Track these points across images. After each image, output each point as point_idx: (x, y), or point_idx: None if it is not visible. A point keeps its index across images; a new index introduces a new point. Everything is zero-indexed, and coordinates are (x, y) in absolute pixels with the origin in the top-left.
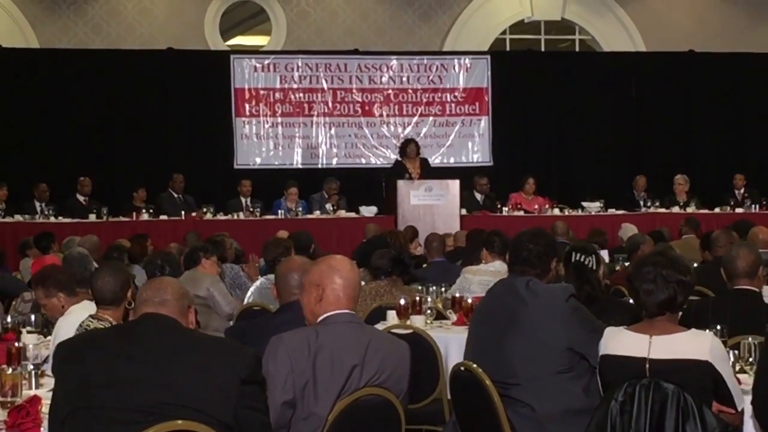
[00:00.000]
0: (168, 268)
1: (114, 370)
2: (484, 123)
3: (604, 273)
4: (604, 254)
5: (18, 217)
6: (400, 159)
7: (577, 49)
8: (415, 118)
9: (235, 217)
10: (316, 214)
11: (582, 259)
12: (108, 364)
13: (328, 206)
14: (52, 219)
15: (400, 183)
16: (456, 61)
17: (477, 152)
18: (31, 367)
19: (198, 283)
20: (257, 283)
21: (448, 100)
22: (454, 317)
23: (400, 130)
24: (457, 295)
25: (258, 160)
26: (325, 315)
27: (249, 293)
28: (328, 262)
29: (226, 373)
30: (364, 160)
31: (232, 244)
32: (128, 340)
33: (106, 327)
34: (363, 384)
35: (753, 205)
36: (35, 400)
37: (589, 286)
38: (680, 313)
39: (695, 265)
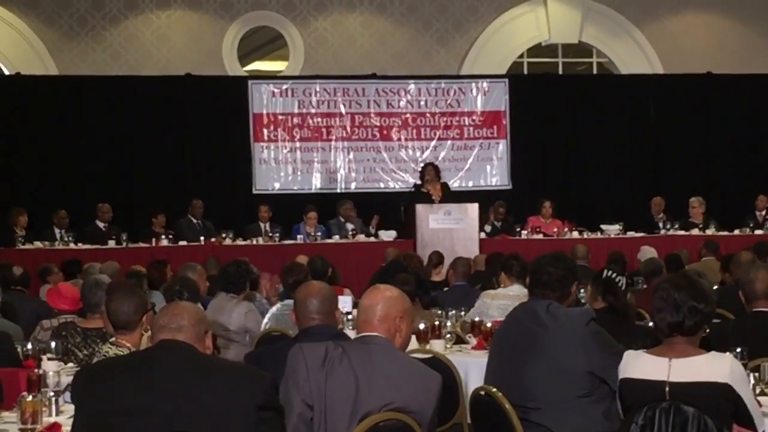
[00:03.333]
0: (186, 293)
1: (132, 399)
2: (502, 146)
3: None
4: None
5: (38, 244)
6: (420, 183)
7: (594, 72)
8: (434, 142)
9: (255, 243)
10: (335, 238)
11: (613, 276)
12: (126, 392)
13: (348, 225)
14: (72, 245)
15: (419, 207)
16: (474, 84)
17: (495, 176)
18: (51, 394)
19: (234, 311)
20: (273, 309)
21: (466, 123)
22: (473, 341)
23: (418, 154)
24: (476, 319)
25: (277, 185)
26: (363, 335)
27: (266, 319)
28: (368, 292)
29: (242, 399)
30: (382, 185)
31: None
32: (146, 367)
33: (125, 354)
34: (379, 403)
35: None
36: (55, 427)
37: (612, 298)
38: (701, 337)
39: (715, 287)
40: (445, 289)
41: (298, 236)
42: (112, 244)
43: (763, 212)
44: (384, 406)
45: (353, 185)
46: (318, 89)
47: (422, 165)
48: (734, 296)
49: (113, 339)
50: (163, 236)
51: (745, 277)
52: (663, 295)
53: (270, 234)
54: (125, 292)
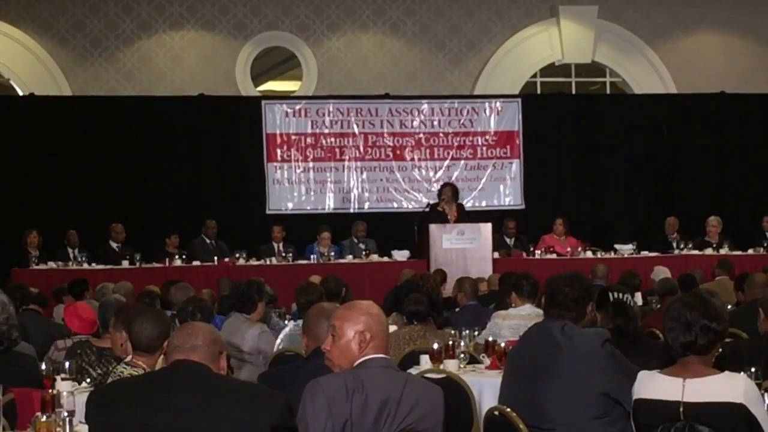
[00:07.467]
0: (199, 314)
1: (146, 419)
2: (515, 166)
3: (638, 314)
4: (638, 297)
5: (51, 264)
6: (436, 202)
7: (608, 92)
8: (447, 162)
9: (268, 263)
10: (349, 258)
11: (621, 297)
12: (140, 412)
13: (361, 245)
14: (86, 265)
15: (433, 227)
16: (487, 104)
17: (509, 195)
18: (65, 414)
19: (247, 332)
20: (286, 329)
21: (480, 143)
22: (487, 361)
23: (431, 173)
24: (490, 339)
25: (290, 205)
26: (363, 359)
27: (279, 340)
28: (361, 308)
29: (257, 419)
30: (396, 204)
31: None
32: (160, 388)
33: (139, 374)
34: (396, 427)
35: None
36: None
37: (622, 320)
38: (714, 356)
39: (729, 307)
40: (457, 309)
41: (312, 256)
42: (125, 264)
43: None
44: (402, 423)
45: (366, 205)
46: (331, 109)
47: (441, 184)
48: (749, 316)
49: (128, 359)
50: (177, 256)
51: (766, 296)
52: (675, 315)
53: (283, 254)
54: (151, 317)
